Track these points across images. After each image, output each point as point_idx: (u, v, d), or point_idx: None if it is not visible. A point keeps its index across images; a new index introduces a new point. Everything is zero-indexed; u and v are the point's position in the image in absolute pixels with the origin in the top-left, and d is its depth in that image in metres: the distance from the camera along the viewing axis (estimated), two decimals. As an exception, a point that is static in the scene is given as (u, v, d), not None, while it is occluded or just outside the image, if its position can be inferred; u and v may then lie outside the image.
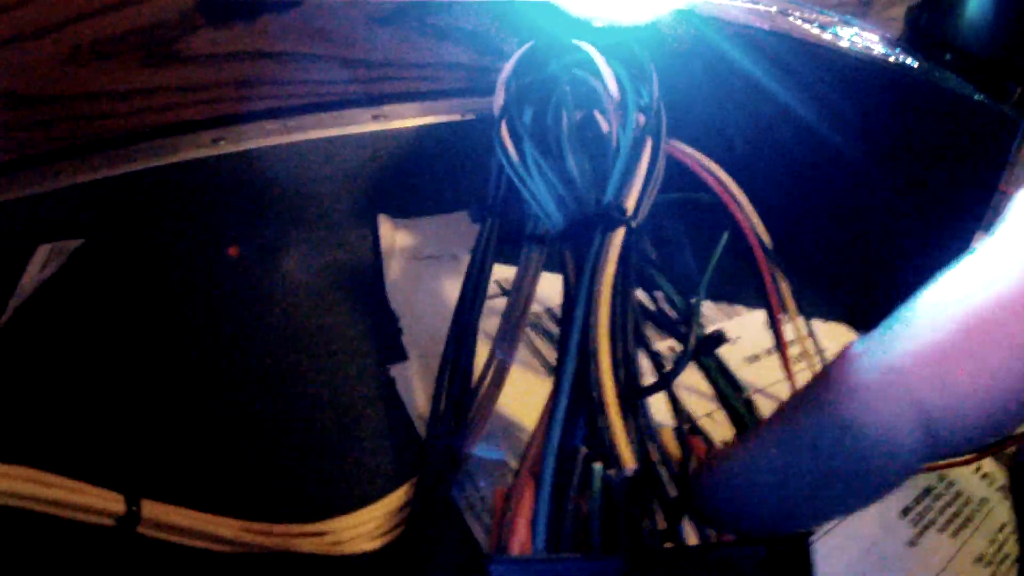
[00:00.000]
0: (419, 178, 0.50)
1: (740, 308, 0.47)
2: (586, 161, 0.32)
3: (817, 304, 0.45)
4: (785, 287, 0.36)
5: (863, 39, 0.58)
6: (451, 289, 0.43)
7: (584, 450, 0.20)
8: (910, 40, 0.68)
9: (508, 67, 0.36)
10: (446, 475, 0.32)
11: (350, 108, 0.55)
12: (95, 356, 0.40)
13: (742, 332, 0.45)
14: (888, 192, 0.48)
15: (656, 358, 0.28)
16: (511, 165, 0.32)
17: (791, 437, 0.16)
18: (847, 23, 0.63)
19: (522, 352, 0.42)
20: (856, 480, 0.15)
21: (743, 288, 0.46)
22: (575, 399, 0.22)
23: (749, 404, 0.27)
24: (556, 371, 0.24)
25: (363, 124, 0.52)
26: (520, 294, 0.31)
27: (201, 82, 0.54)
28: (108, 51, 0.53)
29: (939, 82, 0.47)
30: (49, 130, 0.54)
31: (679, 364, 0.25)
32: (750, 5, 0.55)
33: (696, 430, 0.31)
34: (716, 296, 0.48)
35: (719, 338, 0.27)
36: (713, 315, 0.47)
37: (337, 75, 0.56)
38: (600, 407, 0.21)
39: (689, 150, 0.38)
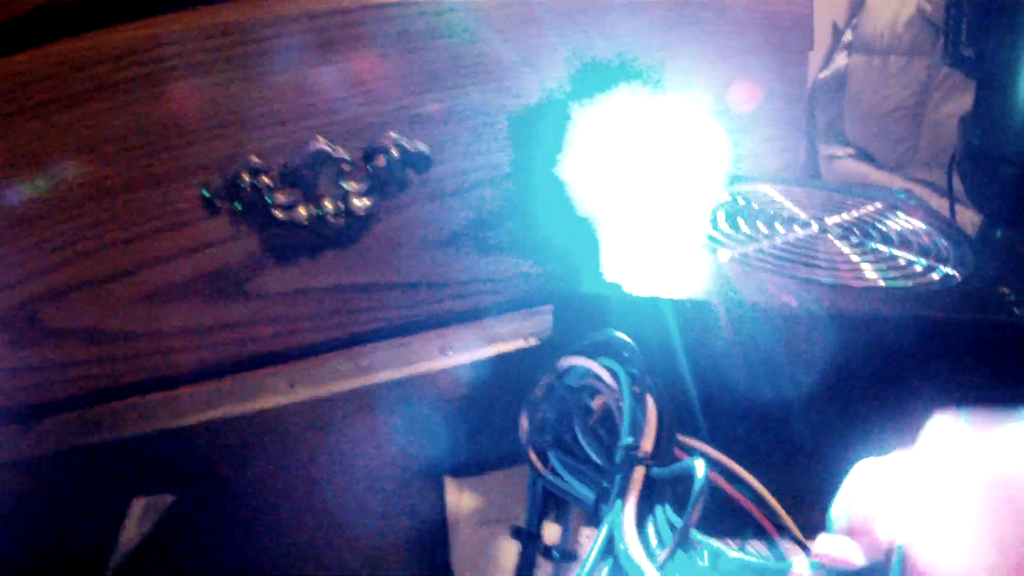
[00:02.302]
0: (484, 421, 0.52)
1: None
2: (608, 445, 0.38)
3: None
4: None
5: (905, 230, 0.59)
6: (512, 557, 0.45)
7: None
8: (961, 154, 0.68)
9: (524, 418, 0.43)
10: None
11: (418, 332, 0.57)
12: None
13: None
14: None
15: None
16: (543, 477, 0.39)
17: None
18: (893, 205, 0.64)
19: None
20: None
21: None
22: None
23: None
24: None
25: (431, 360, 0.54)
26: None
27: (271, 316, 0.57)
28: (180, 293, 0.55)
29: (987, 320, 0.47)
30: (126, 364, 0.57)
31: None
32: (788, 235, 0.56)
33: None
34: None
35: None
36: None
37: (402, 300, 0.58)
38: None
39: (692, 443, 0.40)
